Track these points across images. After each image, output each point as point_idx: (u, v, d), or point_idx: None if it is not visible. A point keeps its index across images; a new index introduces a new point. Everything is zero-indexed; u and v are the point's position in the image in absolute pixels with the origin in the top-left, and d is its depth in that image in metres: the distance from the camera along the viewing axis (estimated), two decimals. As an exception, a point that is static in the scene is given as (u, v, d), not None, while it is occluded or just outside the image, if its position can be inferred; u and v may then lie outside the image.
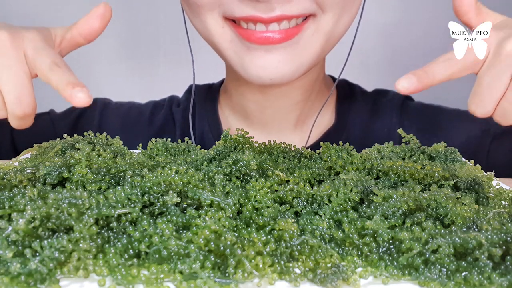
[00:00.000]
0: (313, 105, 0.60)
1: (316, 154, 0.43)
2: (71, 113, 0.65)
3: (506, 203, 0.33)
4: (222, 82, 0.67)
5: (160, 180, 0.30)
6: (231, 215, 0.30)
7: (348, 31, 0.56)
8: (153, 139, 0.45)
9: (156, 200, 0.30)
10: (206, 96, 0.65)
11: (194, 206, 0.30)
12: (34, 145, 0.44)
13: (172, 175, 0.31)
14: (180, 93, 0.70)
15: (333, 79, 0.67)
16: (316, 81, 0.59)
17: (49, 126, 0.64)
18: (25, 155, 0.44)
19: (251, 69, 0.48)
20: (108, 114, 0.66)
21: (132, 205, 0.29)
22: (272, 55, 0.47)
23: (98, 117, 0.65)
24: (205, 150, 0.44)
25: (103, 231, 0.27)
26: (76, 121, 0.65)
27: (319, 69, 0.58)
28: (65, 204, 0.26)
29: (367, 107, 0.63)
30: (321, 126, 0.61)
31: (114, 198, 0.28)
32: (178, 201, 0.29)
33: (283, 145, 0.43)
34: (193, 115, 0.62)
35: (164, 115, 0.65)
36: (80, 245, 0.25)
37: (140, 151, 0.44)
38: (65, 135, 0.44)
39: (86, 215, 0.26)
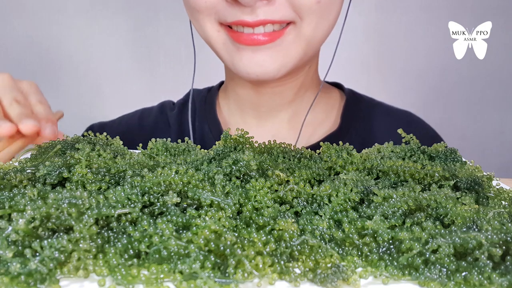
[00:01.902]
0: (306, 104, 0.64)
1: (316, 154, 0.43)
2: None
3: (506, 203, 0.33)
4: (220, 84, 0.72)
5: (160, 180, 0.30)
6: (231, 215, 0.30)
7: (347, 33, 0.59)
8: (153, 139, 0.45)
9: (156, 200, 0.30)
10: (206, 98, 0.70)
11: (194, 206, 0.30)
12: (34, 145, 0.44)
13: (172, 175, 0.31)
14: (180, 93, 0.72)
15: (339, 87, 0.71)
16: (305, 82, 0.63)
17: None
18: (25, 155, 0.44)
19: (240, 66, 0.54)
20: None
21: (132, 205, 0.29)
22: (258, 55, 0.53)
23: None
24: (205, 150, 0.44)
25: (103, 231, 0.27)
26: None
27: (305, 73, 0.62)
28: (65, 204, 0.26)
29: (372, 118, 0.66)
30: (325, 128, 0.65)
31: (114, 198, 0.28)
32: (178, 201, 0.29)
33: (283, 145, 0.43)
34: (193, 117, 0.66)
35: (155, 120, 0.69)
36: (80, 245, 0.25)
37: (140, 151, 0.44)
38: (65, 135, 0.44)
39: (86, 215, 0.26)
